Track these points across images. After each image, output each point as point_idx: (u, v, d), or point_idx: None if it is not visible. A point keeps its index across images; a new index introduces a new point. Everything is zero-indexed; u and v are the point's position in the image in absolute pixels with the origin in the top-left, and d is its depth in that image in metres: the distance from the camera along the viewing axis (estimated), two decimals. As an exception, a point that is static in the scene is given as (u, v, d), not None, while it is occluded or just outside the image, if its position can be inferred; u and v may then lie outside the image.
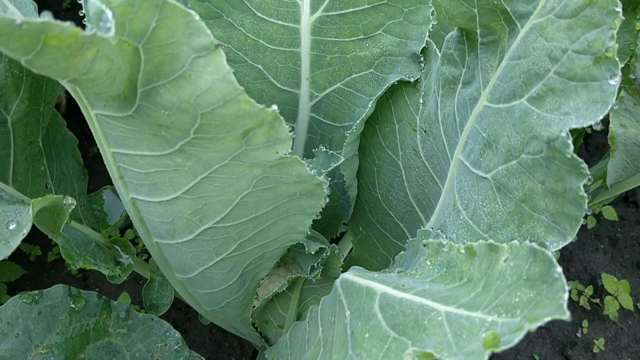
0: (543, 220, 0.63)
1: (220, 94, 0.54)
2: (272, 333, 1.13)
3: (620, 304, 1.43)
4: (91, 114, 0.65)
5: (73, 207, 0.71)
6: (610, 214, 1.57)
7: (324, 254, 0.93)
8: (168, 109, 0.57)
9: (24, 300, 0.87)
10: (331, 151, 0.89)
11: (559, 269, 0.53)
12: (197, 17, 0.49)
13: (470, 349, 0.53)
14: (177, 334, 0.94)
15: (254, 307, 1.05)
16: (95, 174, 1.53)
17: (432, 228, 0.84)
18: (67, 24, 0.44)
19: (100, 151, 0.72)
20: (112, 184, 1.03)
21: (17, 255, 1.58)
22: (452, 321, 0.58)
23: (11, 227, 0.65)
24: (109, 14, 0.45)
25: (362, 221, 1.08)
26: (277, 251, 0.90)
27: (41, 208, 0.66)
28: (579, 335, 1.41)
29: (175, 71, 0.53)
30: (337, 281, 0.76)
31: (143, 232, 0.83)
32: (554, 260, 0.54)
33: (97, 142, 0.71)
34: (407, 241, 0.97)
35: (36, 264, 1.60)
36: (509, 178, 0.69)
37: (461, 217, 0.77)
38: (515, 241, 0.61)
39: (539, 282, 0.54)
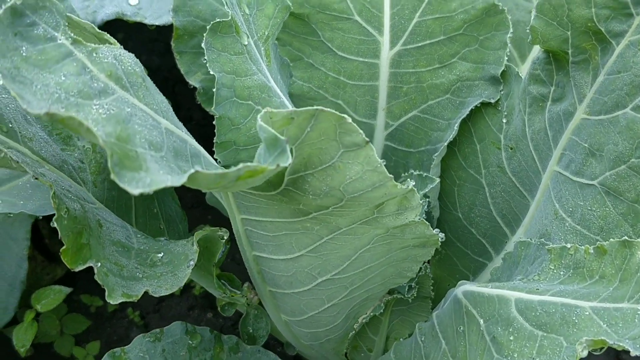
0: (660, 216, 0.69)
1: (370, 181, 0.59)
2: (360, 357, 1.17)
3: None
4: (228, 193, 0.71)
5: (226, 237, 0.76)
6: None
7: (420, 273, 0.98)
8: (314, 194, 0.62)
9: (148, 339, 0.90)
10: (425, 174, 0.94)
11: None
12: (349, 120, 0.54)
13: (632, 334, 0.58)
14: (283, 363, 0.98)
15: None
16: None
17: (530, 239, 0.89)
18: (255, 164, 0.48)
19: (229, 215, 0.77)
20: (206, 224, 1.08)
21: (79, 307, 1.60)
22: (602, 314, 0.62)
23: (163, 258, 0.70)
24: (285, 140, 0.49)
25: (443, 244, 1.12)
26: (382, 292, 0.95)
27: (197, 240, 0.71)
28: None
29: (324, 162, 0.58)
30: (459, 294, 0.81)
31: (259, 282, 0.87)
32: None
33: (225, 206, 0.76)
34: (497, 255, 1.02)
35: (97, 315, 1.62)
36: (619, 182, 0.74)
37: (567, 224, 0.82)
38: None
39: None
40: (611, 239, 0.67)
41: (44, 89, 0.45)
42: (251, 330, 1.10)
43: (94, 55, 0.51)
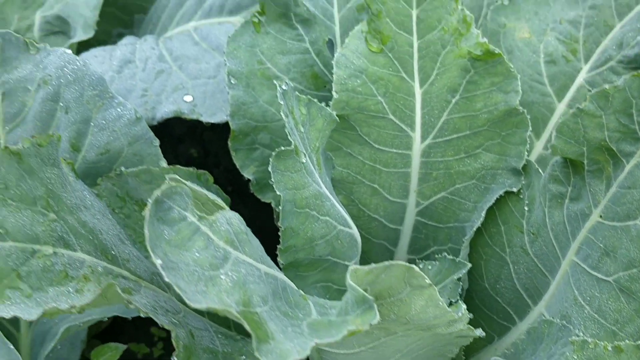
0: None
1: (432, 314, 0.72)
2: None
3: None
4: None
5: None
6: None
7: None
8: (382, 318, 0.73)
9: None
10: (458, 259, 1.07)
11: None
12: (416, 269, 0.67)
13: None
14: None
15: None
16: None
17: (552, 317, 1.01)
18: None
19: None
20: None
21: (125, 356, 1.72)
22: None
23: None
24: (372, 299, 0.62)
25: (469, 307, 1.25)
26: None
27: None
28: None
29: (392, 296, 0.70)
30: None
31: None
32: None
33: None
34: (520, 321, 1.14)
35: (143, 362, 1.74)
36: (631, 282, 0.87)
37: (585, 311, 0.95)
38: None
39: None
40: (627, 341, 0.80)
41: (186, 269, 0.57)
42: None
43: (214, 226, 0.63)
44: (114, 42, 1.64)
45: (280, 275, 0.73)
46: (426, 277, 0.66)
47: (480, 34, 1.05)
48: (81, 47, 1.54)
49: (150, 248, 0.56)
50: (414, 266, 0.66)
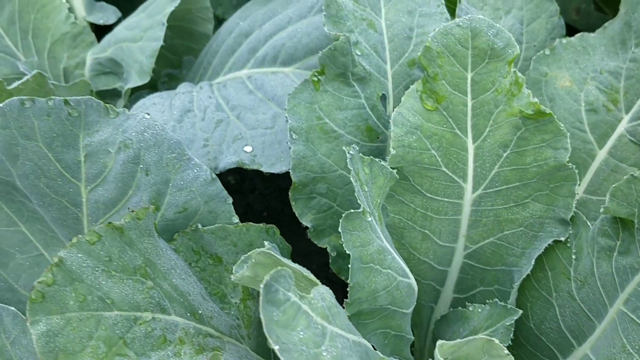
0: None
1: None
2: None
3: None
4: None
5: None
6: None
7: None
8: None
9: None
10: (510, 306, 1.12)
11: None
12: (496, 342, 0.72)
13: None
14: None
15: None
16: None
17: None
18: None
19: None
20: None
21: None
22: None
23: None
24: None
25: (514, 343, 1.31)
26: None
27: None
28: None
29: None
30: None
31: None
32: None
33: None
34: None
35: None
36: (681, 338, 0.93)
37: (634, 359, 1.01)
38: None
39: None
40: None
41: (295, 349, 0.64)
42: None
43: (312, 303, 0.69)
44: (164, 83, 1.71)
45: (363, 341, 0.80)
46: (504, 348, 0.72)
47: (531, 93, 1.11)
48: (133, 89, 1.61)
49: (267, 332, 0.62)
50: (494, 339, 0.72)
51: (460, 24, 1.09)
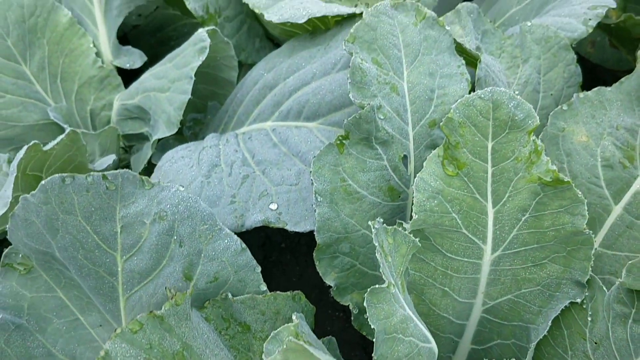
0: None
1: None
2: None
3: None
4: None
5: None
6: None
7: None
8: None
9: None
10: (527, 365, 1.16)
11: None
12: None
13: None
14: None
15: None
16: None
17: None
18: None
19: None
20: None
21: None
22: None
23: None
24: None
25: (531, 396, 1.35)
26: None
27: None
28: None
29: None
30: None
31: None
32: None
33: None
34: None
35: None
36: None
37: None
38: None
39: None
40: None
41: None
42: None
43: None
44: (189, 127, 1.75)
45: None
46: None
47: (549, 160, 1.15)
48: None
49: None
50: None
51: (482, 96, 1.12)
